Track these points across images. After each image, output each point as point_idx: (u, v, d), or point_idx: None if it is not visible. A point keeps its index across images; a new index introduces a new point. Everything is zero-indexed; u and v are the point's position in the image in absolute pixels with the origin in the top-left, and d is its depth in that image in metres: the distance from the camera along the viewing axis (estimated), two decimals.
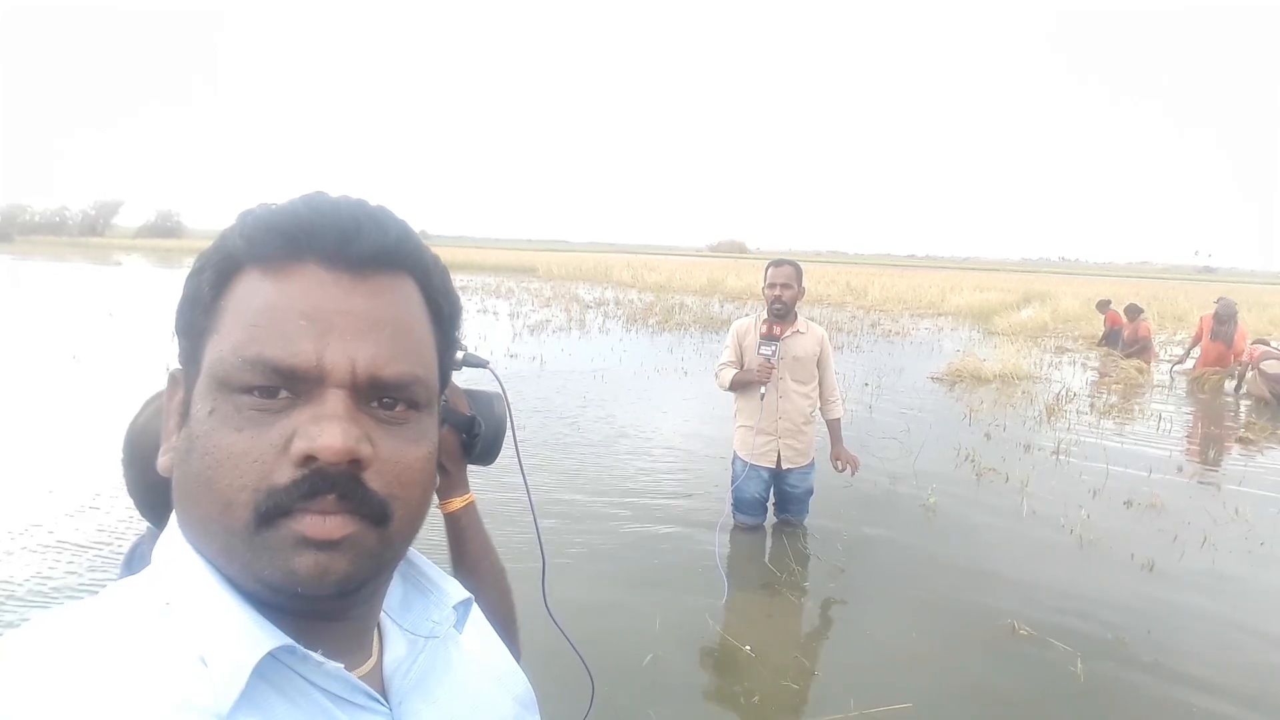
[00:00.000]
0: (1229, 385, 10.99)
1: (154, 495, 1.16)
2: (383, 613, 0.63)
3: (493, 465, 1.08)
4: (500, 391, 1.16)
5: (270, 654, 0.50)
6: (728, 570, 4.19)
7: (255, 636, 0.50)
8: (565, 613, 1.21)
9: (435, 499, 1.07)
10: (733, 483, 4.63)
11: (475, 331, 14.23)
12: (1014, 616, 3.77)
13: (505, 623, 1.11)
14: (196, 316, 0.53)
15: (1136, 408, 9.46)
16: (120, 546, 4.19)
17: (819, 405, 4.53)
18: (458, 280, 30.53)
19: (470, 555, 1.14)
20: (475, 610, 0.72)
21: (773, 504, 4.75)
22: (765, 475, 4.54)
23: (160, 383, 0.61)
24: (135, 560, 1.22)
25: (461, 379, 1.07)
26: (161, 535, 0.55)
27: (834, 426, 4.58)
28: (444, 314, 0.60)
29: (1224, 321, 11.16)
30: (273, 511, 0.49)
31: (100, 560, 4.07)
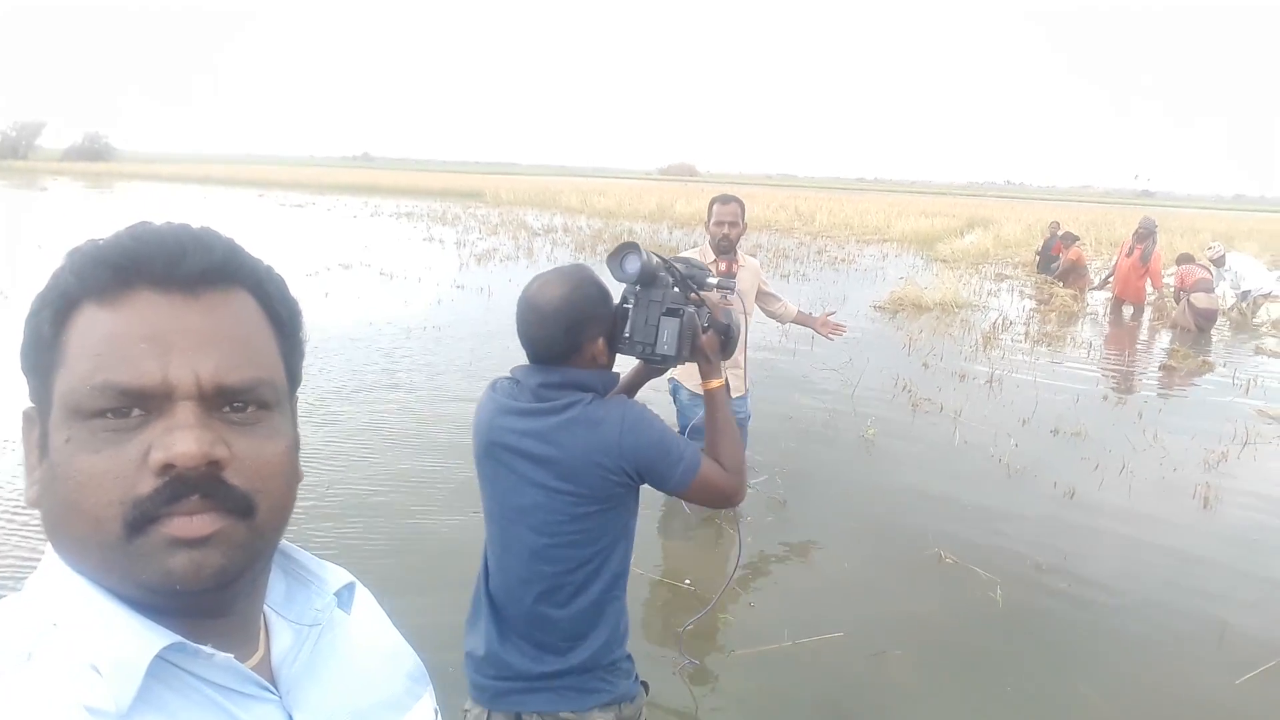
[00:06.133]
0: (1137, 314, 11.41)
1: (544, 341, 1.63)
2: (267, 608, 0.66)
3: None
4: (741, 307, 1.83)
5: (161, 656, 0.53)
6: (666, 504, 4.29)
7: (145, 638, 0.53)
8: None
9: (699, 380, 1.72)
10: (678, 412, 4.62)
11: (421, 262, 13.93)
12: (941, 546, 3.96)
13: (738, 467, 1.65)
14: (41, 355, 0.55)
15: (1069, 335, 9.75)
16: None
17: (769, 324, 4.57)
18: (402, 205, 29.78)
19: (719, 420, 1.68)
20: (363, 593, 0.75)
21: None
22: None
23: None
24: (498, 384, 1.69)
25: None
26: (38, 567, 0.57)
27: (801, 316, 4.50)
28: (283, 319, 0.62)
29: (1143, 239, 11.16)
30: (140, 520, 0.52)
31: None
